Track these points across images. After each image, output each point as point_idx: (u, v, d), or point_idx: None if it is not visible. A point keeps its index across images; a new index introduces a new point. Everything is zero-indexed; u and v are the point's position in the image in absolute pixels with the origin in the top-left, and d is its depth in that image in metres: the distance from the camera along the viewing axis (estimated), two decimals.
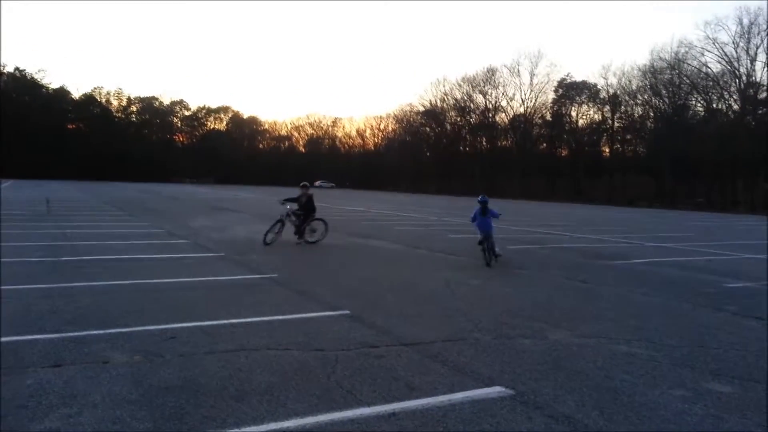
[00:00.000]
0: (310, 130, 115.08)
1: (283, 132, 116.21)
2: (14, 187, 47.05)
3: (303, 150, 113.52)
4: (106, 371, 4.68)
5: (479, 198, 11.88)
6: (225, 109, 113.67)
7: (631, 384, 4.82)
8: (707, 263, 13.08)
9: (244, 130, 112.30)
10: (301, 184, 14.47)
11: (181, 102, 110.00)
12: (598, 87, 76.16)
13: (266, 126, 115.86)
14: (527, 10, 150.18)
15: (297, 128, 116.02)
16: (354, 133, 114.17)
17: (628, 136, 74.33)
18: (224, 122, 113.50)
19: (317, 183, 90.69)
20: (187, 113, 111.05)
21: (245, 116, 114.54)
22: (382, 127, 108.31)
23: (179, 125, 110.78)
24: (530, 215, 32.18)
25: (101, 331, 5.76)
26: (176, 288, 8.17)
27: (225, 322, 6.29)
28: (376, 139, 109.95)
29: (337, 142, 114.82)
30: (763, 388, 4.83)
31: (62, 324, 6.00)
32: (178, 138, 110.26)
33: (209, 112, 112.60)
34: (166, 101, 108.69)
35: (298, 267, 10.44)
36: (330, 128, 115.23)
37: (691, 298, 8.71)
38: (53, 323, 6.02)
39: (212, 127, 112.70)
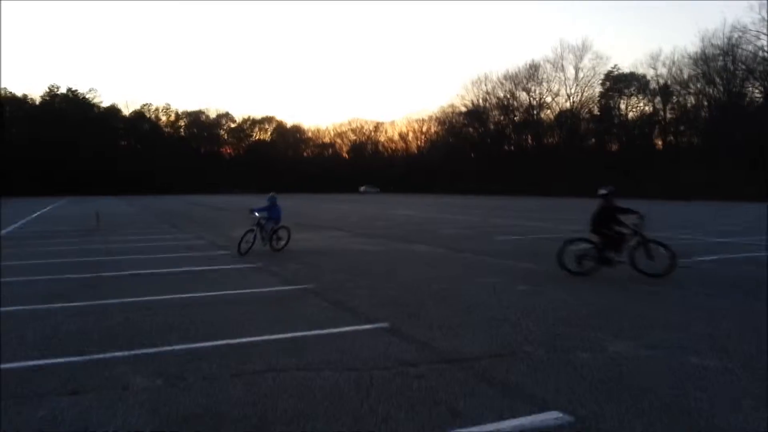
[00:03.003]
0: (352, 136, 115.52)
1: (327, 139, 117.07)
2: (69, 203, 48.76)
3: (347, 156, 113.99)
4: (125, 398, 4.36)
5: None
6: (269, 119, 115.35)
7: (707, 404, 4.17)
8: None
9: (288, 138, 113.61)
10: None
11: (226, 114, 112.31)
12: (647, 78, 73.52)
13: (309, 134, 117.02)
14: (569, 2, 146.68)
15: (340, 134, 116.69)
16: (396, 137, 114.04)
17: (682, 127, 71.28)
18: (269, 132, 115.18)
19: (362, 188, 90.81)
20: (232, 125, 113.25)
21: (289, 125, 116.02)
22: (424, 129, 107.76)
23: (226, 137, 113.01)
24: (579, 212, 30.93)
25: (126, 353, 5.47)
26: (209, 302, 7.89)
27: (256, 339, 5.92)
28: (418, 142, 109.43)
29: (380, 147, 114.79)
30: None
31: (88, 345, 5.76)
32: (225, 150, 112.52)
33: (254, 123, 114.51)
34: (212, 114, 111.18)
35: (337, 276, 10.04)
36: (372, 133, 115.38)
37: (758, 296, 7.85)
38: (79, 344, 5.78)
39: (257, 137, 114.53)
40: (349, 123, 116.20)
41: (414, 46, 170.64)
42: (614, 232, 9.95)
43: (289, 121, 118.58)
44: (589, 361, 5.20)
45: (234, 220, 25.58)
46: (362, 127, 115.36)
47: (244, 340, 5.88)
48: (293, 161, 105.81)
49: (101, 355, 5.40)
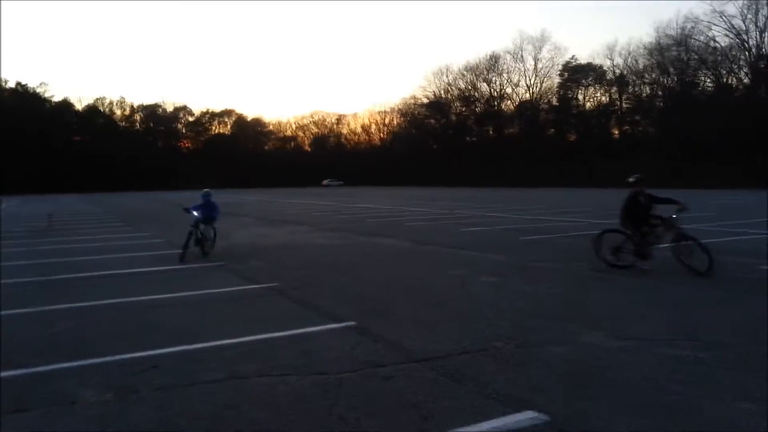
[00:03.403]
0: (315, 129, 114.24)
1: (288, 132, 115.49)
2: (21, 203, 46.77)
3: (309, 149, 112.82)
4: (72, 414, 4.01)
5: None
6: (229, 113, 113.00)
7: (687, 397, 4.08)
8: (738, 244, 12.26)
9: (249, 132, 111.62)
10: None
11: (184, 108, 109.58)
12: (604, 68, 74.89)
13: (271, 127, 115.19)
14: None
15: (302, 127, 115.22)
16: (359, 130, 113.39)
17: (637, 117, 72.96)
18: (229, 125, 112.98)
19: (325, 181, 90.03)
20: (191, 119, 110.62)
21: (249, 118, 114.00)
22: (387, 121, 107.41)
23: (184, 131, 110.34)
24: (542, 202, 31.30)
25: (75, 363, 5.08)
26: (165, 305, 7.50)
27: (215, 343, 5.60)
28: (381, 134, 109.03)
29: (343, 139, 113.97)
30: None
31: (34, 356, 5.34)
32: (184, 144, 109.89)
33: (213, 116, 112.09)
34: (170, 108, 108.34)
35: (302, 273, 9.75)
36: (335, 125, 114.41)
37: (728, 286, 7.93)
38: (22, 356, 5.36)
39: (217, 131, 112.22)
40: (311, 115, 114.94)
41: (376, 38, 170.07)
42: (646, 224, 9.12)
43: (249, 114, 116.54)
44: (562, 356, 5.08)
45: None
46: (324, 120, 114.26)
47: (202, 345, 5.55)
48: (254, 155, 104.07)
49: (47, 367, 5.00)
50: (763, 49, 55.15)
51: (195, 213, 12.49)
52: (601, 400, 4.05)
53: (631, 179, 9.44)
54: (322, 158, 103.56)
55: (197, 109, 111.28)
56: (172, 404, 4.13)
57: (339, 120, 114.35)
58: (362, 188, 73.61)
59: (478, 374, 4.62)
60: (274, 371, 4.76)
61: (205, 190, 13.21)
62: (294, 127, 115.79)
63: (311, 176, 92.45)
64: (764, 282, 8.06)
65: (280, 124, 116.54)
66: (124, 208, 35.61)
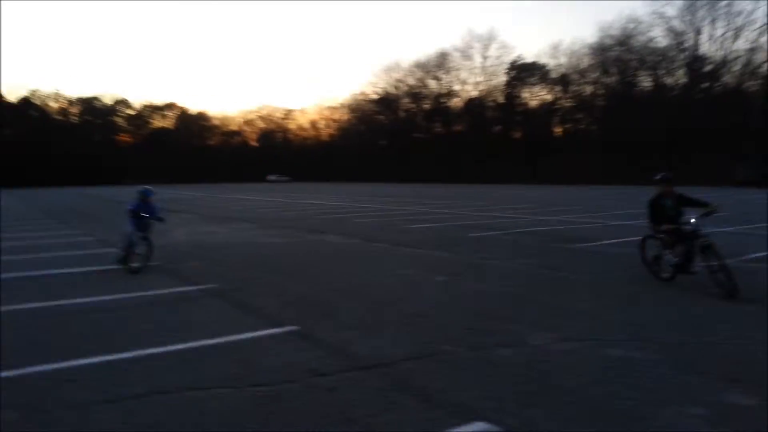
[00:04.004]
0: (261, 124, 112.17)
1: (234, 127, 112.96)
2: None
3: (255, 144, 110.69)
4: None
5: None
6: (171, 106, 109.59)
7: (637, 403, 3.94)
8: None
9: (192, 126, 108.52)
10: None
11: (124, 101, 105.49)
12: (549, 67, 76.53)
13: (215, 121, 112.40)
14: None
15: (248, 122, 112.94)
16: (307, 125, 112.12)
17: (580, 115, 74.97)
18: (171, 119, 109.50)
19: (272, 177, 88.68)
20: (131, 112, 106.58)
21: (193, 112, 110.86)
22: (335, 117, 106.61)
23: (124, 125, 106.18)
24: (489, 198, 31.60)
25: None
26: (89, 310, 6.90)
27: (140, 353, 5.12)
28: (330, 130, 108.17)
29: (290, 135, 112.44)
30: None
31: None
32: (123, 138, 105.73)
33: (154, 109, 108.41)
34: (108, 101, 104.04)
35: (243, 274, 9.28)
36: (282, 120, 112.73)
37: (675, 282, 7.98)
38: None
39: (159, 125, 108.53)
40: (259, 110, 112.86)
41: (325, 33, 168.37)
42: (672, 227, 7.65)
43: (193, 108, 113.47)
44: (512, 359, 4.89)
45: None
46: (272, 115, 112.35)
47: (125, 355, 5.06)
48: (198, 149, 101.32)
49: None
50: (699, 51, 57.58)
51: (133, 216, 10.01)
52: (552, 408, 3.86)
53: (658, 176, 8.07)
54: (269, 153, 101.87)
55: (137, 102, 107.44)
56: (85, 425, 3.68)
57: (287, 115, 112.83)
58: (310, 184, 72.78)
59: (427, 382, 4.36)
60: (205, 384, 4.35)
61: (144, 187, 10.59)
62: (240, 121, 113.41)
63: (258, 172, 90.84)
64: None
65: (225, 118, 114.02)
66: (56, 204, 33.76)
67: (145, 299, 7.48)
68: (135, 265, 9.50)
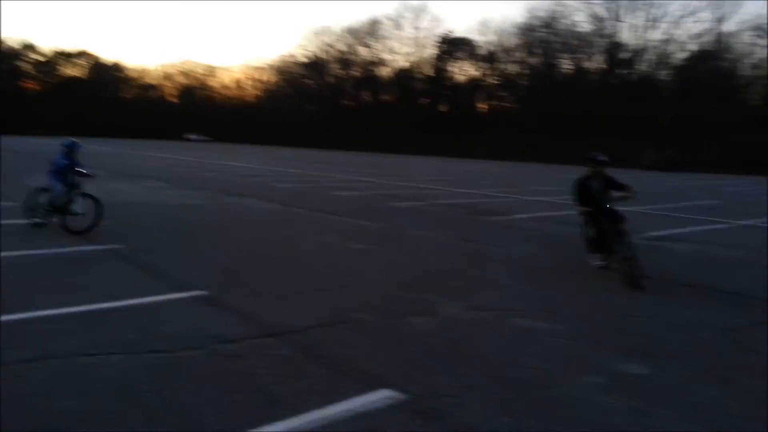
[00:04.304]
0: (182, 79, 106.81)
1: (152, 81, 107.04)
2: None
3: (175, 101, 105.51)
4: None
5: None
6: (83, 54, 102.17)
7: (539, 372, 4.08)
8: None
9: (106, 77, 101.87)
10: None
11: (30, 45, 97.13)
12: (477, 43, 77.48)
13: (132, 73, 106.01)
14: None
15: (168, 77, 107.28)
16: (232, 84, 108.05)
17: (504, 93, 76.70)
18: (83, 68, 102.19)
19: (191, 136, 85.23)
20: (39, 58, 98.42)
21: (107, 62, 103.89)
22: (262, 78, 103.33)
23: (31, 71, 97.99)
24: (415, 169, 31.87)
25: None
26: None
27: (32, 315, 4.75)
28: (256, 91, 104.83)
29: (213, 93, 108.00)
30: (676, 365, 4.30)
31: None
32: (29, 85, 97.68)
33: (65, 56, 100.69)
34: (14, 44, 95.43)
35: (152, 235, 8.83)
36: (205, 78, 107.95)
37: (580, 254, 8.35)
38: None
39: (69, 73, 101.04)
40: (180, 64, 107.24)
41: None
42: (590, 209, 7.43)
43: (107, 58, 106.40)
44: (422, 327, 4.94)
45: (31, 166, 22.10)
46: (193, 71, 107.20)
47: (16, 317, 4.68)
48: (112, 102, 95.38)
49: None
50: (618, 38, 60.07)
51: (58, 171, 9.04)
52: (456, 376, 3.93)
53: (592, 158, 7.70)
54: (190, 111, 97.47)
55: (46, 48, 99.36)
56: None
57: (210, 72, 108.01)
58: (233, 146, 70.53)
59: (336, 350, 4.31)
60: (99, 349, 4.09)
61: (71, 139, 9.71)
62: (159, 75, 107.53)
63: (176, 130, 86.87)
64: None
65: (143, 71, 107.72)
66: None
67: (44, 258, 6.96)
68: (77, 226, 8.43)
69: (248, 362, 4.01)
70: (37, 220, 8.92)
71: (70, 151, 9.30)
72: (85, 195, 8.90)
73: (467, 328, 4.98)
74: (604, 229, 7.21)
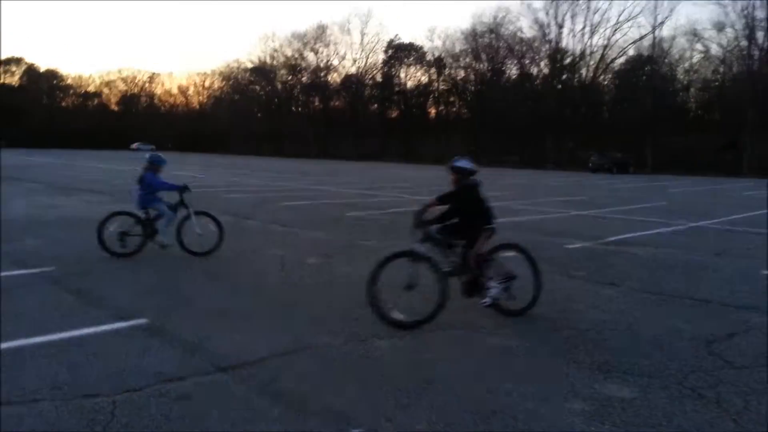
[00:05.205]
0: (123, 86, 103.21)
1: (91, 88, 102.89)
2: None
3: (116, 109, 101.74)
4: None
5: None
6: (17, 61, 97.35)
7: (517, 397, 3.78)
8: (540, 223, 13.10)
9: (42, 85, 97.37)
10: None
11: None
12: (425, 49, 78.00)
13: (69, 81, 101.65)
14: None
15: (107, 84, 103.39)
16: (175, 91, 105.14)
17: (452, 98, 77.45)
18: (16, 76, 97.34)
19: (134, 145, 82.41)
20: None
21: (42, 69, 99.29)
22: (207, 84, 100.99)
23: None
24: (366, 177, 31.54)
25: None
26: None
27: None
28: (201, 98, 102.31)
29: (156, 101, 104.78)
30: (659, 383, 4.08)
31: None
32: None
33: None
34: None
35: (88, 255, 8.13)
36: (147, 84, 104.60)
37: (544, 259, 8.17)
38: None
39: (2, 81, 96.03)
40: (119, 71, 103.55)
41: None
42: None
43: (42, 66, 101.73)
44: (389, 348, 4.57)
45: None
46: (135, 77, 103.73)
47: None
48: (49, 111, 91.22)
49: None
50: (560, 43, 61.51)
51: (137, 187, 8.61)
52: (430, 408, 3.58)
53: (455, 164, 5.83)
54: (132, 120, 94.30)
55: None
56: None
57: (152, 79, 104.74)
58: (178, 154, 68.46)
59: (298, 385, 3.89)
60: (23, 396, 3.54)
61: (155, 153, 9.19)
62: (98, 83, 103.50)
63: (118, 139, 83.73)
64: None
65: (81, 78, 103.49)
66: None
67: None
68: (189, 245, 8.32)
69: (197, 405, 3.54)
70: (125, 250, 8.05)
71: (156, 166, 8.69)
72: (198, 213, 8.65)
73: (431, 351, 4.64)
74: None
